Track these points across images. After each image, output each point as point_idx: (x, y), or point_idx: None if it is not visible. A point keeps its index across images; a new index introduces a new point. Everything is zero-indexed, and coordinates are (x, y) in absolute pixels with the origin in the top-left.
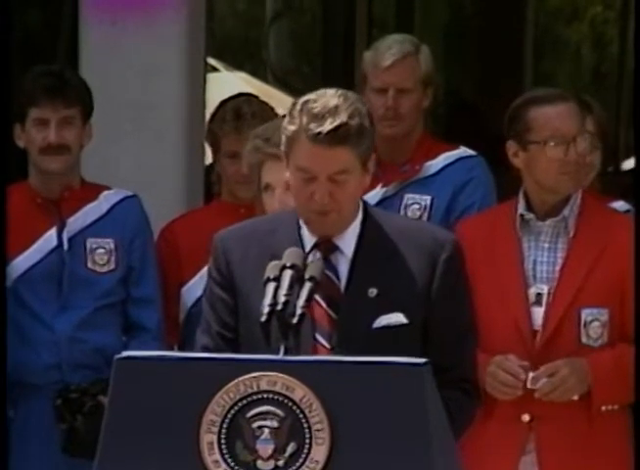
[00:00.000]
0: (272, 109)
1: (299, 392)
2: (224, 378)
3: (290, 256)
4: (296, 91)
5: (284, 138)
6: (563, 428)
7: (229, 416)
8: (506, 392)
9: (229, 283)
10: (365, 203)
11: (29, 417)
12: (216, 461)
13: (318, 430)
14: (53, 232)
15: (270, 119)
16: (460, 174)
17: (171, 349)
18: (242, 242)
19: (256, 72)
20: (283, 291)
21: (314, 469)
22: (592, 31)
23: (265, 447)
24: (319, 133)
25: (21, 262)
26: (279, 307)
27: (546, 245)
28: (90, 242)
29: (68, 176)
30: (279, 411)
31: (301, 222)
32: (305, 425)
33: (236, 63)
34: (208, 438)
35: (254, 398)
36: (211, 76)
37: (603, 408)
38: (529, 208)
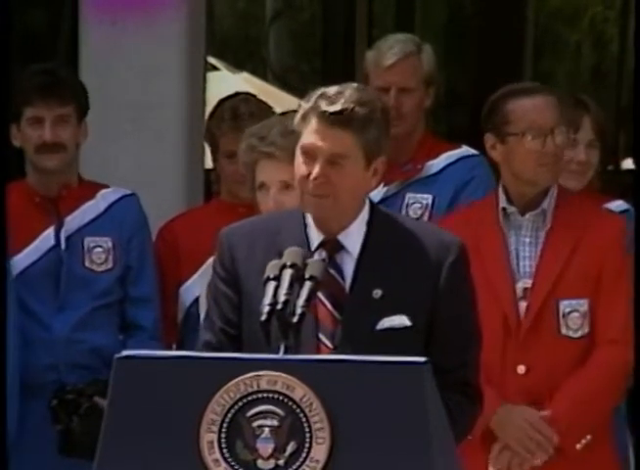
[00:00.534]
0: (270, 108)
1: (300, 391)
2: (224, 377)
3: (290, 255)
4: (295, 90)
5: (298, 116)
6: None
7: (229, 415)
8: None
9: (233, 279)
10: (372, 203)
11: (26, 417)
12: (216, 460)
13: (318, 429)
14: (51, 231)
15: None
16: (462, 174)
17: (169, 348)
18: (248, 239)
19: (256, 71)
20: (283, 290)
21: (314, 468)
22: (592, 30)
23: (265, 447)
24: (325, 112)
25: (18, 261)
26: (279, 307)
27: (527, 239)
28: (88, 241)
29: (65, 175)
30: (279, 410)
31: (308, 221)
32: (306, 424)
33: (236, 62)
34: (209, 437)
35: (255, 397)
36: (212, 75)
37: (578, 446)
38: (510, 201)
